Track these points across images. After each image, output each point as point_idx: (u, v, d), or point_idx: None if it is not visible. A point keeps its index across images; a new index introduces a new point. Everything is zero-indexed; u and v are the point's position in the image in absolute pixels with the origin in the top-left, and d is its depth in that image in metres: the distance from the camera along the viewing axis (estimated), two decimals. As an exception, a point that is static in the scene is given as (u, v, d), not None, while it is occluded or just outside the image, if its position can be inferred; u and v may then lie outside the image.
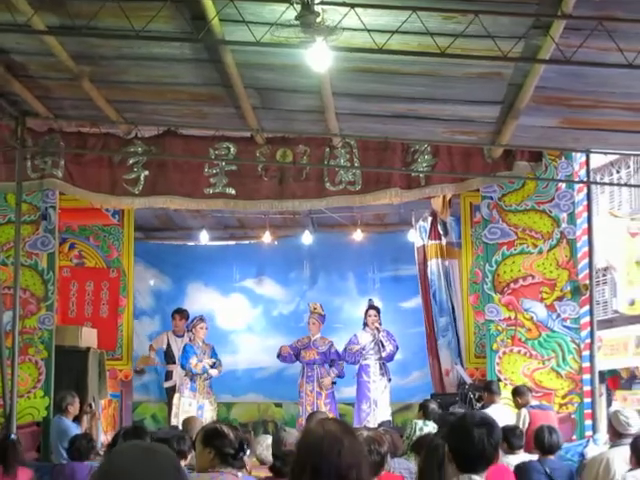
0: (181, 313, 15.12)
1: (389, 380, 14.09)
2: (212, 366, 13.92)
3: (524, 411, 10.13)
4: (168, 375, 14.96)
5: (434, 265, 14.77)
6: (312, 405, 13.67)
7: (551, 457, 7.77)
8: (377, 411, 13.72)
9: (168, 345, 15.03)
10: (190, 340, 14.21)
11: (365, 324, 14.24)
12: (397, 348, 14.16)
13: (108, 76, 9.45)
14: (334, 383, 14.31)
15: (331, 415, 12.28)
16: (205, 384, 13.87)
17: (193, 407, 13.51)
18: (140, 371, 15.49)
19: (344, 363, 14.31)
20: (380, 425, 11.86)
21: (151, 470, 2.15)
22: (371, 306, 14.46)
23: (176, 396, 13.83)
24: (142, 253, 15.67)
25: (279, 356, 14.59)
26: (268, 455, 7.82)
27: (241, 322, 17.19)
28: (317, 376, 14.12)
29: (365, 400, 13.86)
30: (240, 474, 4.92)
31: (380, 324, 14.13)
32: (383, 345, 13.95)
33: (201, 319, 14.30)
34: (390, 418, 13.93)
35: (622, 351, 14.95)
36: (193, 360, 13.74)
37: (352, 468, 3.06)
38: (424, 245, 15.06)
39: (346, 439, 3.11)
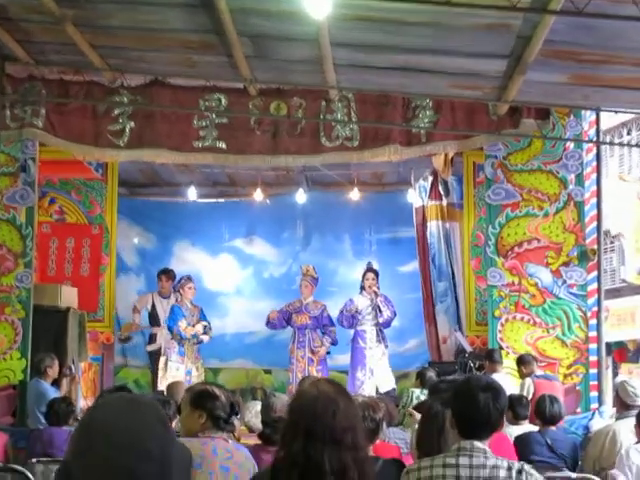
0: (167, 274, 15.11)
1: (386, 347, 14.09)
2: (203, 331, 13.96)
3: (528, 380, 10.15)
4: (152, 338, 14.96)
5: (434, 227, 14.75)
6: (303, 372, 13.64)
7: (552, 428, 7.81)
8: (373, 379, 13.71)
9: (153, 306, 15.02)
10: (177, 301, 14.17)
11: (362, 288, 14.19)
12: (395, 314, 14.10)
13: (93, 20, 9.35)
14: (328, 353, 14.34)
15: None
16: (194, 349, 13.88)
17: (181, 372, 13.50)
18: (125, 339, 15.48)
19: (336, 329, 14.33)
20: (387, 394, 11.91)
21: (135, 422, 2.14)
22: (369, 269, 14.36)
23: (162, 359, 13.82)
24: (126, 210, 15.61)
25: (268, 323, 14.54)
26: (257, 422, 7.86)
27: (230, 284, 17.17)
28: (309, 341, 14.12)
29: (360, 367, 13.83)
30: (231, 441, 4.86)
31: (378, 288, 14.12)
32: (380, 310, 13.90)
33: (189, 278, 14.27)
34: (395, 387, 13.85)
35: (629, 322, 15.03)
36: (182, 323, 13.72)
37: (347, 431, 3.06)
38: (423, 206, 15.01)
39: (341, 400, 3.11)
